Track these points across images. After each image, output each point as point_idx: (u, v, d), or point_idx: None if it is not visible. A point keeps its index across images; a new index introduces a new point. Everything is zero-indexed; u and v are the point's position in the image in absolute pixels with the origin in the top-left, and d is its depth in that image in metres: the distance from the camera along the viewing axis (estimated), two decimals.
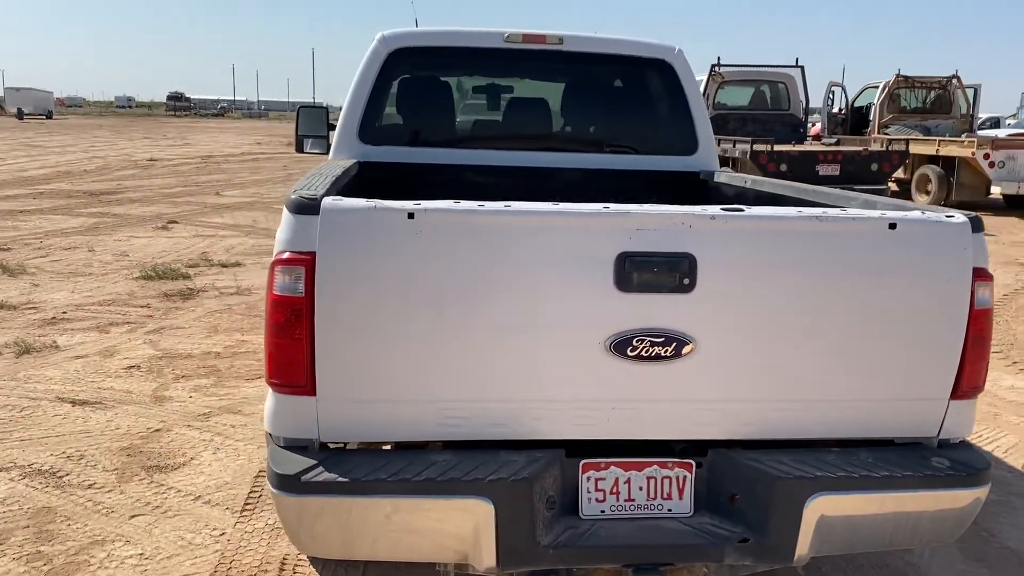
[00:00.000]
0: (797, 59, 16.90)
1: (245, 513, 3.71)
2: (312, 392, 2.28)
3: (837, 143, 16.50)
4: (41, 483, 3.93)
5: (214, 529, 3.57)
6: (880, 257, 2.35)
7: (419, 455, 2.33)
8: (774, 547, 2.35)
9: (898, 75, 18.66)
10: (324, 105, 6.34)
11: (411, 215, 2.21)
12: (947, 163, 16.09)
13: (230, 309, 7.28)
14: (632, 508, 2.44)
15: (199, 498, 3.83)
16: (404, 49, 4.32)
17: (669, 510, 2.45)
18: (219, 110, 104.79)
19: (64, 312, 7.01)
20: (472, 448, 2.36)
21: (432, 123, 4.51)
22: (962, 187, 15.75)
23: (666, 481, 2.45)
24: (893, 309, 2.37)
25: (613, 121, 4.58)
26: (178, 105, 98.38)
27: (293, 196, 2.26)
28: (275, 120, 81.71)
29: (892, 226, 2.33)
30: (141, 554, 3.36)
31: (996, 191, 15.68)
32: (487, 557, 2.26)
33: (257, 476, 4.06)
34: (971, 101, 19.23)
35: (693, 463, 2.45)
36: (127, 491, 3.88)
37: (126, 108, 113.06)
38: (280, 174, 20.89)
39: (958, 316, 2.38)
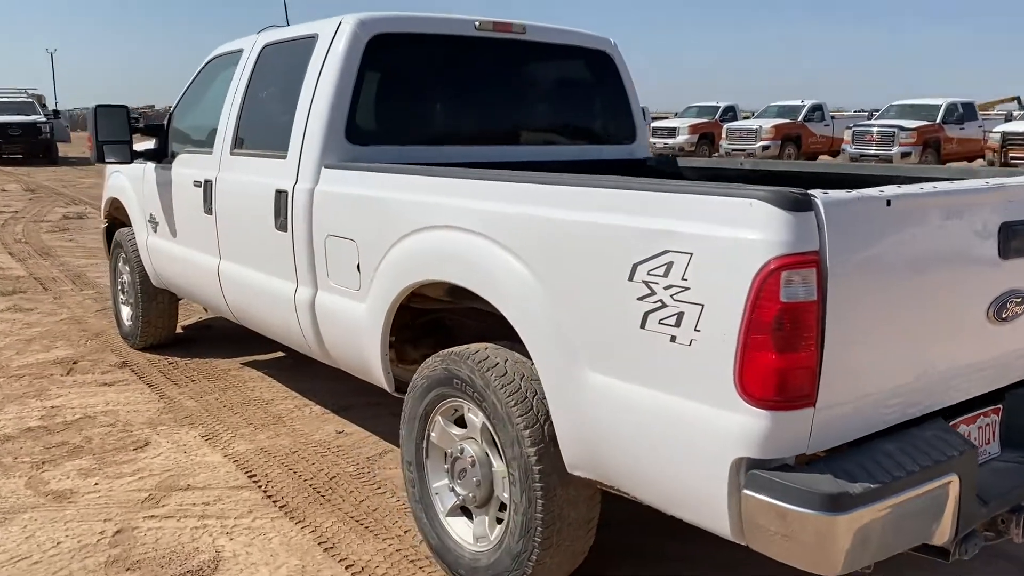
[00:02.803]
0: None
1: None
2: (813, 403, 2.11)
3: None
4: None
5: None
6: None
7: (869, 448, 2.28)
8: None
9: None
10: (124, 105, 5.18)
11: (888, 202, 2.17)
12: None
13: None
14: None
15: None
16: (384, 36, 3.86)
17: (989, 453, 2.72)
18: None
19: None
20: (886, 434, 2.37)
21: (419, 119, 4.07)
22: None
23: (987, 428, 2.71)
24: None
25: (576, 113, 4.60)
26: None
27: (768, 193, 2.05)
28: None
29: None
30: None
31: None
32: (947, 529, 2.31)
33: (325, 548, 3.36)
34: None
35: (1001, 407, 2.75)
36: None
37: None
38: None
39: None
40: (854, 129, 23.40)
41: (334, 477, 4.02)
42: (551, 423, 2.70)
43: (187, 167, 4.94)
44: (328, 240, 3.63)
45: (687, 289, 2.20)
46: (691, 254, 2.19)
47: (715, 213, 2.16)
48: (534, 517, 2.73)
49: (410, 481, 3.29)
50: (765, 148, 25.30)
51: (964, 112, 23.85)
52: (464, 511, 3.16)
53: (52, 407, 4.97)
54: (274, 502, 3.77)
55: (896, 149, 22.18)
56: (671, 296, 2.23)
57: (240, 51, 4.70)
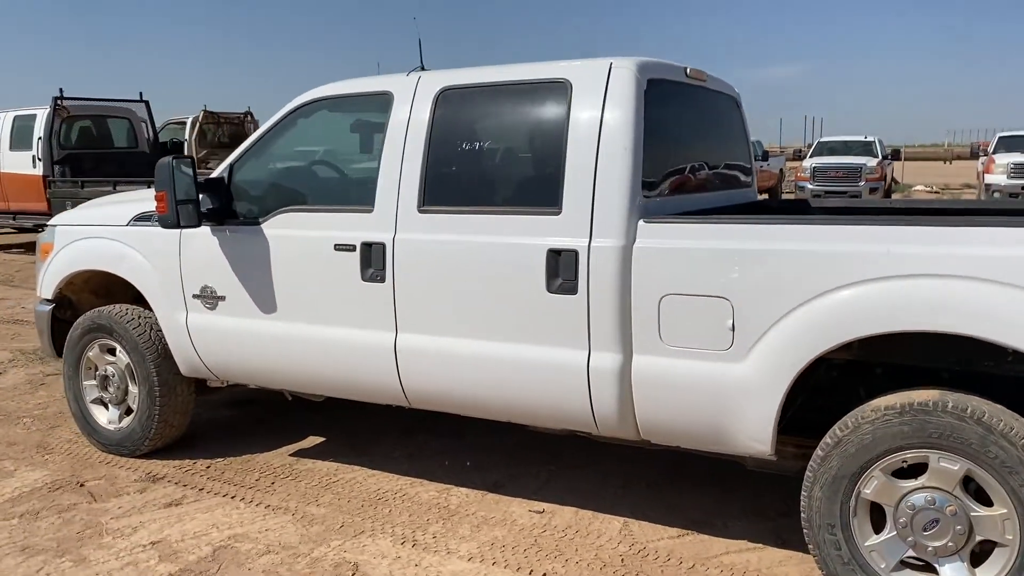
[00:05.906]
0: (141, 93, 15.72)
1: None
2: None
3: None
4: None
5: None
6: None
7: None
8: None
9: (205, 111, 18.77)
10: (190, 156, 4.22)
11: None
12: None
13: None
14: None
15: None
16: (655, 81, 3.68)
17: None
18: None
19: None
20: None
21: (673, 167, 3.88)
22: None
23: None
24: None
25: (729, 158, 4.65)
26: None
27: None
28: None
29: None
30: None
31: None
32: None
33: None
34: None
35: None
36: None
37: None
38: None
39: None
40: None
41: (623, 556, 3.66)
42: None
43: (305, 229, 4.15)
44: (665, 300, 3.35)
45: None
46: None
47: None
48: None
49: (832, 544, 3.16)
50: None
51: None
52: (905, 564, 3.12)
53: (150, 544, 3.85)
54: None
55: None
56: None
57: (387, 93, 4.07)
